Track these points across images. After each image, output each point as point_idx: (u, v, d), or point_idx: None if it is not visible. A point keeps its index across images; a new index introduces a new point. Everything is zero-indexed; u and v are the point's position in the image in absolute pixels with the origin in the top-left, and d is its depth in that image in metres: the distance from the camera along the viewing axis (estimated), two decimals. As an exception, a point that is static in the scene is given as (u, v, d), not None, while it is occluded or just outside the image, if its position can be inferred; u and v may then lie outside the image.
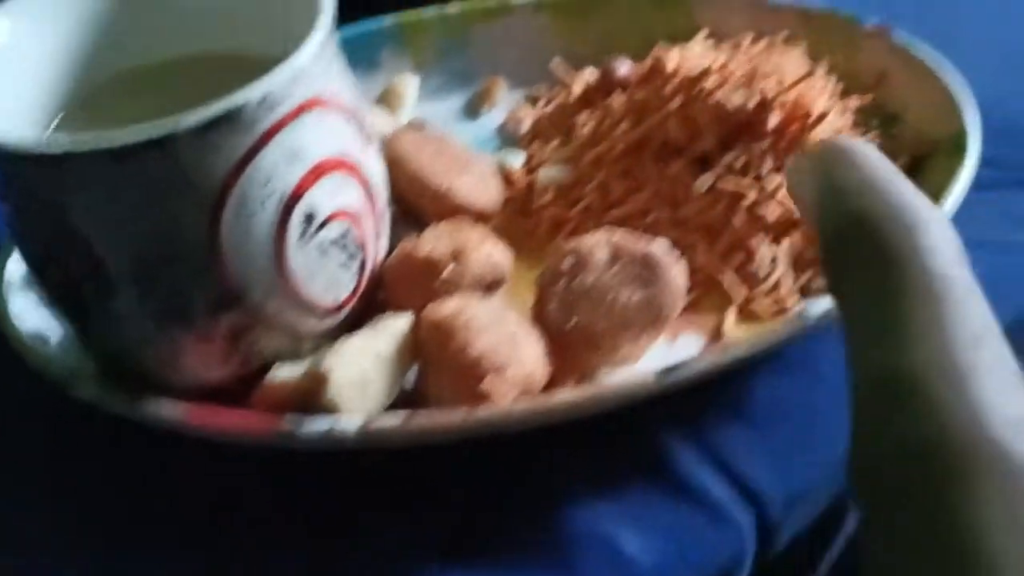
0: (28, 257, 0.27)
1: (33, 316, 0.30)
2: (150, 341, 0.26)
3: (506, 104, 0.41)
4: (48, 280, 0.27)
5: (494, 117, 0.41)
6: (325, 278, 0.27)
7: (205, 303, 0.25)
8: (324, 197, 0.26)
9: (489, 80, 0.42)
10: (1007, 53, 0.43)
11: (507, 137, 0.40)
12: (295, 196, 0.25)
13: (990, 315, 0.17)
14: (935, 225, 0.18)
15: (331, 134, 0.26)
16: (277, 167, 0.25)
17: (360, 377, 0.26)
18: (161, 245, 0.24)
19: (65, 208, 0.24)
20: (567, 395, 0.26)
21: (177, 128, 0.23)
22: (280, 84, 0.24)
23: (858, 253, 0.18)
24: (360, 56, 0.41)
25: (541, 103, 0.41)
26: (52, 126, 0.29)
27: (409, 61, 0.42)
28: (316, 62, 0.25)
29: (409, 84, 0.41)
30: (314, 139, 0.26)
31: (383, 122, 0.38)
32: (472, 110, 0.41)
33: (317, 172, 0.26)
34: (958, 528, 0.14)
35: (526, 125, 0.40)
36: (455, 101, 0.42)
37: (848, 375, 0.18)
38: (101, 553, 0.27)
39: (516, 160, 0.37)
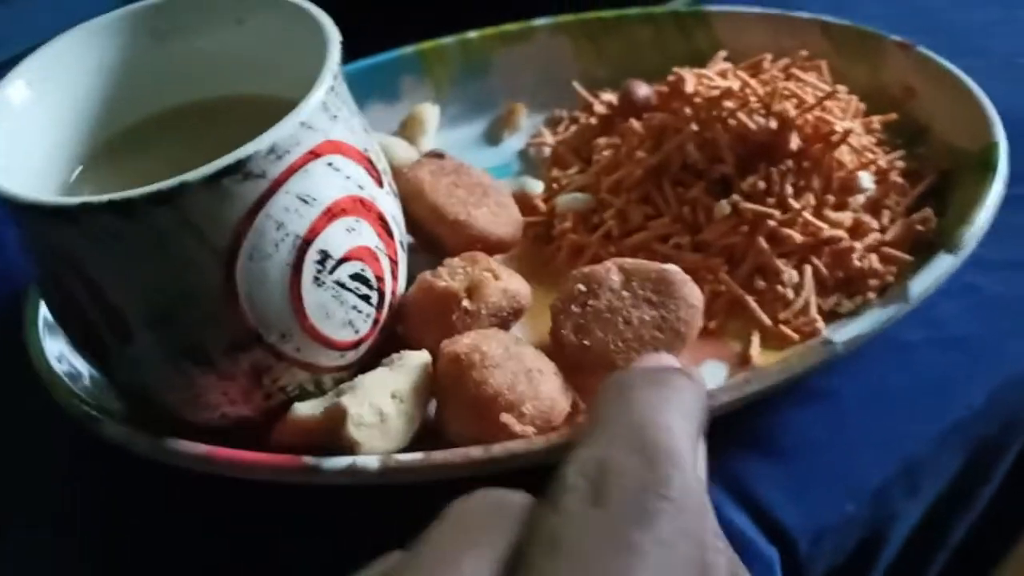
0: (50, 304, 0.28)
1: (65, 356, 0.31)
2: (170, 382, 0.27)
3: (527, 129, 0.42)
4: (70, 325, 0.27)
5: (515, 142, 0.41)
6: (342, 315, 0.27)
7: (223, 344, 0.26)
8: (338, 238, 0.26)
9: (510, 105, 0.42)
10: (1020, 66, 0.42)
11: (529, 161, 0.40)
12: (308, 239, 0.26)
13: None
14: None
15: (342, 177, 0.27)
16: (289, 212, 0.25)
17: (378, 414, 0.26)
18: (175, 291, 0.25)
19: (81, 259, 0.24)
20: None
21: (184, 182, 0.23)
22: (287, 133, 0.24)
23: None
24: (380, 86, 0.41)
25: (562, 127, 0.41)
26: (73, 178, 0.30)
27: (429, 89, 0.42)
28: (324, 109, 0.25)
29: (430, 113, 0.41)
30: (325, 183, 0.26)
31: (404, 153, 0.38)
32: (494, 136, 0.42)
33: (330, 214, 0.26)
34: None
35: (547, 150, 0.40)
36: (476, 128, 0.42)
37: None
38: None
39: (536, 186, 0.37)
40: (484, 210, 0.33)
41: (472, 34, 0.42)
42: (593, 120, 0.39)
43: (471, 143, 0.41)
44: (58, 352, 0.31)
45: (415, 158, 0.37)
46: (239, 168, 0.24)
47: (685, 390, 0.20)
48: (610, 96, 0.40)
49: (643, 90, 0.38)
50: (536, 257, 0.35)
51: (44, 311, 0.32)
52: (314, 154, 0.25)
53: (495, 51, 0.42)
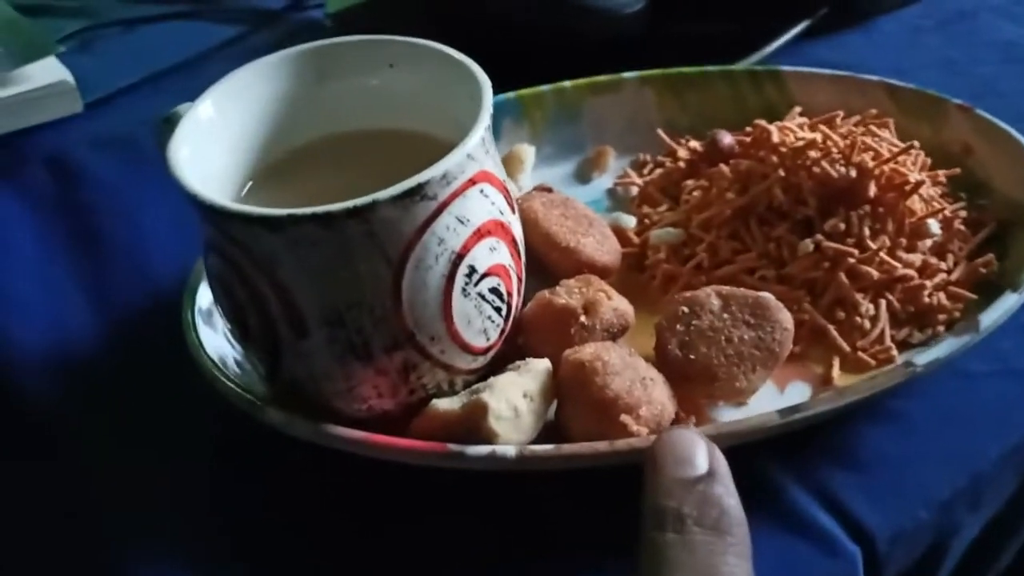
0: (228, 303, 0.31)
1: (214, 347, 0.35)
2: (333, 374, 0.30)
3: (613, 170, 0.46)
4: (245, 322, 0.31)
5: (604, 181, 0.45)
6: (479, 323, 0.31)
7: (383, 343, 0.30)
8: (483, 255, 0.30)
9: (599, 148, 0.46)
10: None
11: (617, 199, 0.44)
12: (461, 254, 0.30)
13: None
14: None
15: (490, 203, 0.31)
16: (449, 230, 0.29)
17: (513, 410, 0.30)
18: (352, 294, 0.29)
19: (276, 263, 0.28)
20: (701, 430, 0.30)
21: (376, 200, 0.27)
22: (456, 163, 0.28)
23: None
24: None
25: (647, 169, 0.45)
26: (244, 191, 0.34)
27: (526, 131, 0.46)
28: (481, 144, 0.30)
29: (527, 152, 0.45)
30: (478, 207, 0.30)
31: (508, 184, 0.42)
32: (583, 175, 0.46)
33: (479, 234, 0.30)
34: None
35: (634, 189, 0.44)
36: (567, 167, 0.46)
37: None
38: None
39: (629, 221, 0.42)
40: (590, 239, 0.37)
41: (567, 84, 0.47)
42: (681, 164, 0.43)
43: (563, 180, 0.45)
44: (215, 345, 0.35)
45: (514, 190, 0.41)
46: (419, 190, 0.28)
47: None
48: (694, 143, 0.44)
49: (727, 139, 0.42)
50: (631, 283, 0.39)
51: (199, 306, 0.36)
52: (472, 182, 0.29)
53: (586, 99, 0.47)
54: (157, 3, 0.66)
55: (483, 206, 0.30)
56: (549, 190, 0.40)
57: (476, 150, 0.29)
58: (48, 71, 0.52)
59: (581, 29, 0.52)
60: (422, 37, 0.35)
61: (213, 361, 0.33)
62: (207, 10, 0.65)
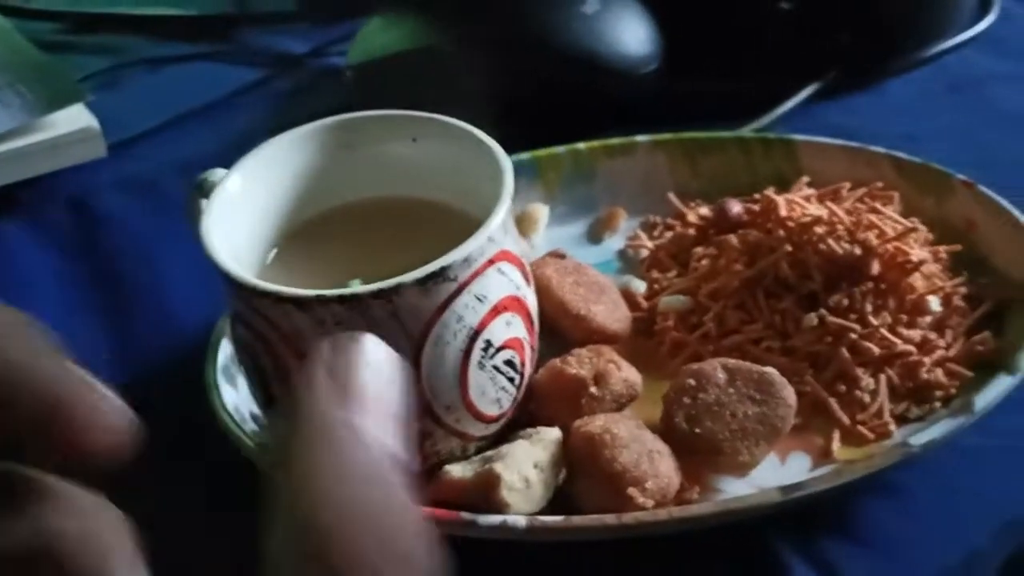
0: (255, 372, 0.33)
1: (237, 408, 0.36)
2: (351, 442, 0.32)
3: (624, 231, 0.47)
4: (270, 390, 0.33)
5: (614, 242, 0.46)
6: (493, 394, 0.33)
7: (401, 414, 0.31)
8: (499, 329, 0.32)
9: (611, 209, 0.47)
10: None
11: (627, 261, 0.46)
12: (478, 330, 0.31)
13: None
14: None
15: (507, 279, 0.32)
16: (468, 308, 0.31)
17: (524, 481, 0.31)
18: (373, 367, 0.30)
19: (302, 338, 0.30)
20: (704, 507, 0.31)
21: (400, 283, 0.29)
22: (477, 247, 0.30)
23: None
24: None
25: (657, 231, 0.46)
26: (269, 259, 0.36)
27: (540, 191, 0.47)
28: (501, 226, 0.31)
29: (541, 211, 0.47)
30: (496, 285, 0.31)
31: (520, 246, 0.44)
32: (595, 235, 0.47)
33: (496, 310, 0.31)
34: None
35: (644, 252, 0.45)
36: (579, 227, 0.47)
37: None
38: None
39: (639, 286, 0.43)
40: (601, 307, 0.39)
41: (581, 146, 0.48)
42: (690, 230, 0.44)
43: (575, 240, 0.46)
44: (233, 404, 0.36)
45: (527, 250, 0.42)
46: (441, 273, 0.29)
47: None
48: (704, 208, 0.45)
49: (736, 208, 0.43)
50: (639, 348, 0.40)
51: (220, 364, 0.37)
52: (491, 262, 0.31)
53: (600, 161, 0.48)
54: (180, 43, 0.68)
55: (501, 283, 0.32)
56: (562, 255, 0.41)
57: (496, 232, 0.31)
58: (73, 117, 0.53)
59: (596, 88, 0.53)
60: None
61: (236, 422, 0.34)
62: (229, 51, 0.66)
